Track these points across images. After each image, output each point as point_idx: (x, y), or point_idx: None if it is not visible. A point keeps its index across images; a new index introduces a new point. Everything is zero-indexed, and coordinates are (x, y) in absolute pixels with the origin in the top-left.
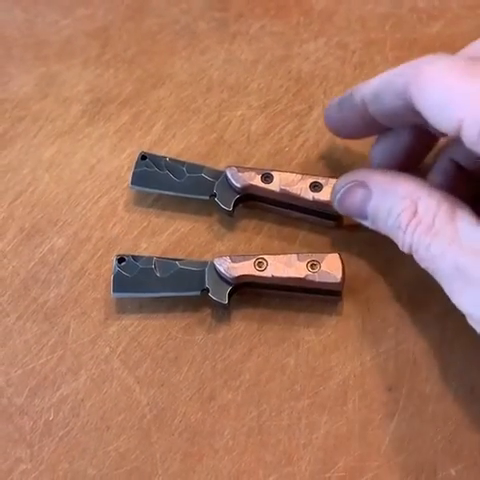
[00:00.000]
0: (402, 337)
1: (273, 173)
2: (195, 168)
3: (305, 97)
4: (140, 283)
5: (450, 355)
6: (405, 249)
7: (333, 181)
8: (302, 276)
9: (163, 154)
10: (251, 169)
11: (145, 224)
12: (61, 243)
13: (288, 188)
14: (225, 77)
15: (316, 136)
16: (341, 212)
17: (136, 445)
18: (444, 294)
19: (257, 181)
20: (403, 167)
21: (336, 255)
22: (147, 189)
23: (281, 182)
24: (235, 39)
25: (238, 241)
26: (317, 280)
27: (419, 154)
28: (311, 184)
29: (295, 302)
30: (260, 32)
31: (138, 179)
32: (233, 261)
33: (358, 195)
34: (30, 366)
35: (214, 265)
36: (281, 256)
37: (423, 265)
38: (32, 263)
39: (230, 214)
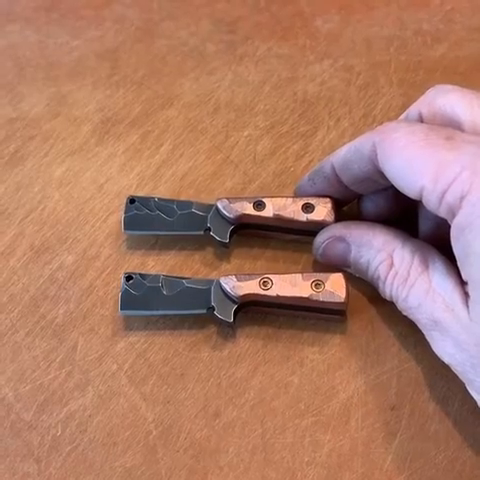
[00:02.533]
0: (405, 356)
1: (264, 200)
2: (185, 204)
3: (310, 118)
4: (147, 301)
5: (452, 375)
6: (387, 298)
7: (323, 200)
8: (306, 295)
9: (171, 173)
10: (242, 199)
11: (152, 242)
12: (70, 260)
13: (281, 213)
14: (232, 98)
15: (321, 157)
16: (325, 263)
17: (142, 461)
18: None
19: (250, 210)
20: (395, 214)
21: (340, 275)
22: (141, 232)
23: (274, 208)
24: (242, 61)
25: (243, 261)
26: (321, 299)
27: (404, 207)
28: (303, 206)
29: (299, 321)
30: (267, 54)
31: (130, 224)
32: (238, 280)
33: (337, 249)
34: (38, 382)
35: (220, 284)
36: (286, 275)
37: (404, 314)
38: (41, 280)
39: (226, 246)
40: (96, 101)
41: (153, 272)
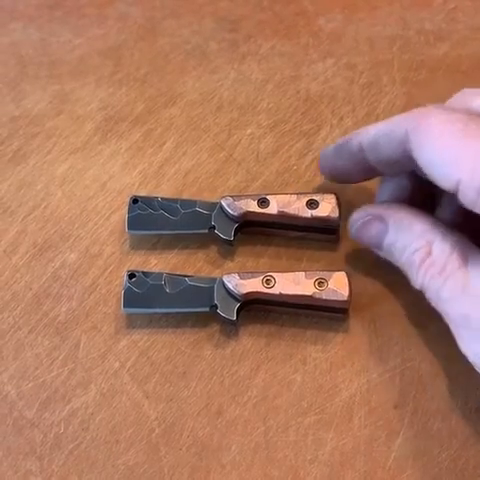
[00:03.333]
0: (408, 355)
1: (268, 197)
2: (189, 203)
3: (313, 117)
4: (150, 299)
5: (456, 373)
6: (417, 286)
7: (328, 196)
8: (309, 294)
9: (174, 171)
10: (246, 196)
11: (155, 240)
12: (73, 258)
13: (286, 209)
14: (235, 96)
15: None
16: (357, 241)
17: (144, 459)
18: None
19: (254, 207)
20: (414, 200)
21: (343, 273)
22: (145, 232)
23: (278, 205)
24: (245, 59)
25: (246, 258)
26: (324, 298)
27: (426, 193)
28: (307, 202)
29: (302, 319)
30: (270, 52)
31: (134, 223)
32: (241, 278)
33: (374, 229)
34: (41, 379)
35: (223, 282)
36: (289, 274)
37: (432, 304)
38: (44, 278)
39: (231, 244)
40: (99, 99)
41: (156, 270)
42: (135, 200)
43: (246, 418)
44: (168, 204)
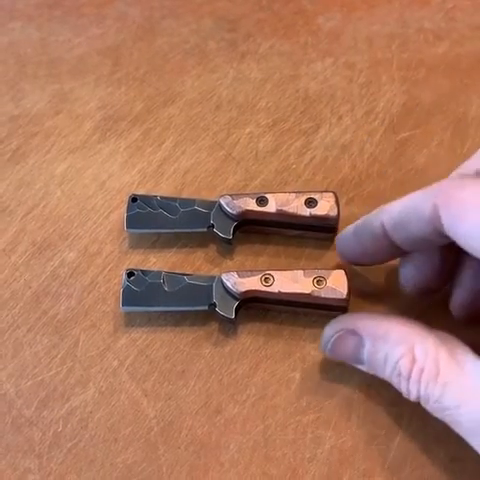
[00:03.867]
0: None
1: (267, 195)
2: (187, 202)
3: (312, 115)
4: (149, 297)
5: None
6: (411, 398)
7: (326, 195)
8: (308, 292)
9: (173, 170)
10: (245, 195)
11: (154, 239)
12: (72, 257)
13: (284, 208)
14: (234, 95)
15: (323, 153)
16: (334, 359)
17: (143, 457)
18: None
19: (253, 206)
20: (436, 284)
21: (341, 271)
22: (144, 230)
23: (277, 203)
24: (244, 58)
25: (245, 257)
26: (323, 296)
27: (450, 269)
28: (306, 201)
29: (301, 318)
30: (269, 52)
31: (133, 222)
32: (240, 276)
33: (350, 343)
34: (40, 378)
35: (221, 280)
36: (287, 272)
37: (437, 416)
38: (43, 276)
39: (230, 242)
40: (98, 98)
41: (155, 268)
42: (134, 199)
43: (245, 416)
44: (167, 203)
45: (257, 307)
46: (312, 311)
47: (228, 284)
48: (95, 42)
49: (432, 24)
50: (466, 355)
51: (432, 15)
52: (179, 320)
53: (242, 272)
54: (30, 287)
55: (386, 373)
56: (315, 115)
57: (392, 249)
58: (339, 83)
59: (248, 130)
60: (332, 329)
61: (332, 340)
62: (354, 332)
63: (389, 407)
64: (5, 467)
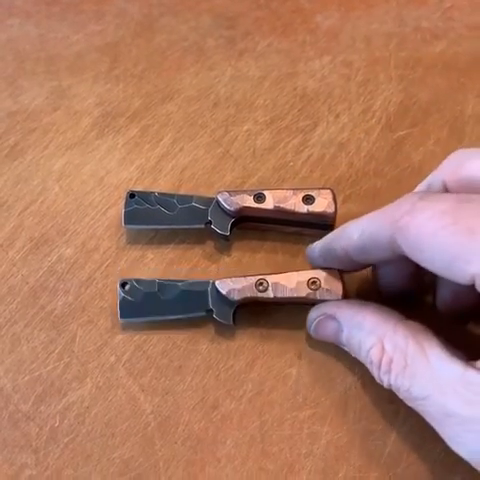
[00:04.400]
0: None
1: (264, 192)
2: (185, 198)
3: (310, 113)
4: (146, 307)
5: None
6: (384, 385)
7: (324, 192)
8: (303, 295)
9: (171, 167)
10: (242, 191)
11: (152, 235)
12: (69, 253)
13: (282, 205)
14: (232, 93)
15: (320, 151)
16: (319, 339)
17: (140, 452)
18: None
19: (250, 202)
20: (412, 286)
21: (335, 271)
22: (141, 226)
23: (274, 200)
24: (242, 56)
25: (242, 253)
26: (318, 298)
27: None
28: (304, 197)
29: (297, 313)
30: (267, 49)
31: (130, 218)
32: (234, 283)
33: (330, 327)
34: (37, 373)
35: (216, 288)
36: (281, 275)
37: (410, 405)
38: (41, 272)
39: (227, 239)
40: (96, 95)
41: (152, 265)
42: (132, 195)
43: (241, 412)
44: (165, 199)
45: (254, 306)
46: (309, 307)
47: (223, 292)
48: (94, 39)
49: (430, 23)
50: (434, 348)
51: (430, 14)
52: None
53: (236, 279)
54: (27, 282)
55: (362, 358)
56: (313, 113)
57: (358, 267)
58: (337, 81)
59: (246, 127)
60: (315, 313)
61: (314, 323)
62: (333, 317)
63: (385, 403)
64: (2, 462)
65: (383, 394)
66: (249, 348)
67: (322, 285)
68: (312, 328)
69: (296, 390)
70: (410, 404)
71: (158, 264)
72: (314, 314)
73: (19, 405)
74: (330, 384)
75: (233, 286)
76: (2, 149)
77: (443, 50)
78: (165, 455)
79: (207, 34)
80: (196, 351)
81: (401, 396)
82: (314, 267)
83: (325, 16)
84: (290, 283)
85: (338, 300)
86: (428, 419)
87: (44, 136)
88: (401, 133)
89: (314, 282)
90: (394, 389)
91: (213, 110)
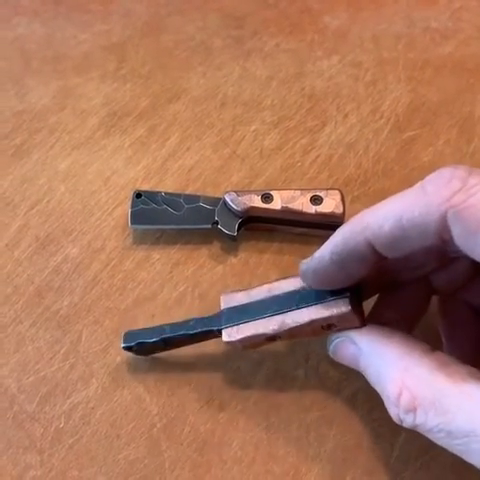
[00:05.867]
0: None
1: (272, 192)
2: (192, 198)
3: (318, 113)
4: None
5: None
6: (404, 426)
7: (332, 192)
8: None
9: (177, 166)
10: (250, 192)
11: (158, 235)
12: (75, 252)
13: (289, 205)
14: (240, 93)
15: (328, 151)
16: (338, 361)
17: (145, 454)
18: None
19: (258, 202)
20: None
21: (348, 306)
22: (148, 226)
23: (282, 200)
24: (250, 56)
25: (250, 254)
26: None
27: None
28: (311, 198)
29: None
30: (275, 49)
31: (137, 218)
32: (239, 330)
33: (349, 350)
34: (42, 373)
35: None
36: (292, 314)
37: (444, 445)
38: (46, 271)
39: (234, 239)
40: (103, 94)
41: (158, 266)
42: (138, 194)
43: (248, 414)
44: (171, 199)
45: None
46: None
47: (228, 340)
48: (101, 38)
49: (439, 24)
50: (466, 378)
51: (439, 15)
52: (181, 317)
53: (242, 324)
54: (33, 282)
55: (378, 388)
56: (321, 113)
57: (380, 273)
58: (345, 81)
59: (253, 127)
60: (336, 334)
61: (334, 343)
62: (354, 341)
63: None
64: (6, 462)
65: None
66: (256, 350)
67: (337, 325)
68: (331, 349)
69: (303, 392)
70: (445, 445)
71: (164, 264)
72: (335, 335)
73: (24, 405)
74: (338, 387)
75: (238, 331)
76: (8, 148)
77: (452, 51)
78: (171, 456)
79: (215, 34)
80: (203, 352)
81: (432, 436)
82: (312, 278)
83: (333, 16)
84: (303, 332)
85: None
86: (472, 458)
87: (50, 135)
88: (410, 133)
89: (329, 326)
90: (422, 429)
91: (220, 110)
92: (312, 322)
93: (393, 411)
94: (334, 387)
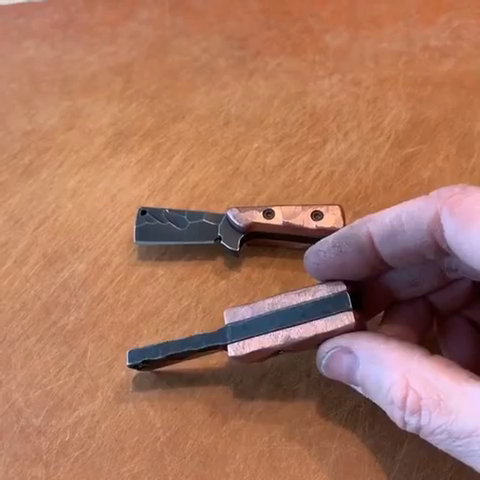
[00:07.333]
0: None
1: (274, 208)
2: (195, 215)
3: (319, 131)
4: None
5: None
6: (408, 429)
7: (333, 208)
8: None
9: (182, 184)
10: (252, 208)
11: (162, 251)
12: (82, 268)
13: (291, 220)
14: (243, 112)
15: (329, 168)
16: (330, 377)
17: (149, 467)
18: None
19: (259, 218)
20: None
21: (351, 314)
22: (152, 242)
23: (283, 216)
24: (252, 76)
25: (252, 269)
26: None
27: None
28: (312, 213)
29: None
30: (277, 69)
31: (142, 234)
32: (245, 345)
33: (344, 362)
34: (48, 387)
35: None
36: (297, 328)
37: (445, 447)
38: (53, 287)
39: (237, 254)
40: (110, 114)
41: (163, 281)
42: (143, 211)
43: (251, 427)
44: (175, 215)
45: None
46: None
47: (233, 354)
48: (108, 60)
49: (438, 42)
50: (468, 379)
51: (438, 34)
52: (186, 331)
53: (245, 340)
54: (40, 298)
55: (378, 399)
56: (322, 131)
57: (373, 265)
58: (346, 99)
59: (256, 145)
60: (328, 345)
61: (327, 356)
62: (349, 350)
63: None
64: (13, 475)
65: None
66: (258, 364)
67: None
68: (323, 363)
69: (305, 406)
70: (447, 446)
71: (168, 280)
72: (327, 347)
73: (30, 419)
74: (339, 400)
75: (242, 345)
76: (17, 167)
77: (451, 69)
78: (174, 470)
79: (218, 55)
80: (206, 366)
81: (434, 439)
82: (311, 268)
83: (334, 36)
84: (307, 345)
85: (353, 332)
86: (473, 460)
87: (58, 155)
88: (410, 150)
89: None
90: (425, 431)
91: (224, 128)
92: (317, 336)
93: (397, 414)
94: (336, 401)
